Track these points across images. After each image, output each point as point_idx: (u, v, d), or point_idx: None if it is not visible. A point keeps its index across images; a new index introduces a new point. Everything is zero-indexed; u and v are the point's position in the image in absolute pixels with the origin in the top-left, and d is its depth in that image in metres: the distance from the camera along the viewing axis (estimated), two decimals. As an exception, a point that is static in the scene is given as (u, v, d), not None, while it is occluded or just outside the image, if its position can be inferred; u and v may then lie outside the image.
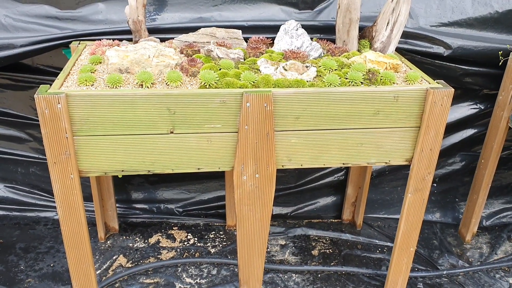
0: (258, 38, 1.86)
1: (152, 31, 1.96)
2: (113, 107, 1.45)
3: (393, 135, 1.63)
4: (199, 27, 1.92)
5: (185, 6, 2.03)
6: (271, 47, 1.87)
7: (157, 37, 1.93)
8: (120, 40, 1.90)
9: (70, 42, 1.95)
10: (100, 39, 1.90)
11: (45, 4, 1.97)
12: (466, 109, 2.35)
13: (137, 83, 1.49)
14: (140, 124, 1.49)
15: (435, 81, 1.63)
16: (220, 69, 1.59)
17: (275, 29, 1.92)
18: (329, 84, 1.54)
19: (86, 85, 1.48)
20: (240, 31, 1.85)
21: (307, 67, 1.61)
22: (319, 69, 1.61)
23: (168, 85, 1.51)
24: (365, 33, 1.84)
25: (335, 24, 1.82)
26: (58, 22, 2.00)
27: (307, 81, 1.56)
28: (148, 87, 1.48)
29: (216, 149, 1.57)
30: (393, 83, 1.60)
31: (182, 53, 1.72)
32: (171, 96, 1.46)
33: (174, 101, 1.47)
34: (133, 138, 1.51)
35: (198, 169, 1.60)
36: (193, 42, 1.78)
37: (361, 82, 1.57)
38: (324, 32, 2.01)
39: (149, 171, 1.58)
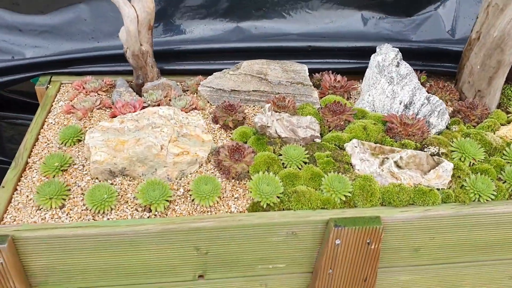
0: (334, 77, 1.16)
1: (164, 55, 1.25)
2: (99, 250, 0.81)
3: None
4: (235, 49, 1.24)
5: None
6: (355, 90, 1.17)
7: (175, 68, 1.25)
8: (116, 73, 1.22)
9: (37, 75, 1.25)
10: (82, 73, 1.22)
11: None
12: None
13: (141, 203, 0.83)
14: (147, 270, 0.85)
15: None
16: (283, 165, 0.91)
17: (354, 52, 1.23)
18: (477, 196, 0.87)
19: (51, 207, 0.83)
20: (306, 67, 1.14)
21: (434, 159, 0.92)
22: (454, 161, 0.93)
23: (195, 203, 0.85)
24: (510, 75, 1.13)
25: (462, 59, 1.11)
26: (19, 35, 1.29)
27: (438, 189, 0.89)
28: (160, 212, 0.82)
29: (275, 296, 0.93)
30: None
31: (216, 122, 1.03)
32: (202, 231, 0.81)
33: (206, 238, 0.82)
34: (136, 289, 0.88)
35: (245, 323, 0.97)
36: (231, 91, 1.09)
37: (532, 191, 0.90)
38: (424, 57, 1.29)
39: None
